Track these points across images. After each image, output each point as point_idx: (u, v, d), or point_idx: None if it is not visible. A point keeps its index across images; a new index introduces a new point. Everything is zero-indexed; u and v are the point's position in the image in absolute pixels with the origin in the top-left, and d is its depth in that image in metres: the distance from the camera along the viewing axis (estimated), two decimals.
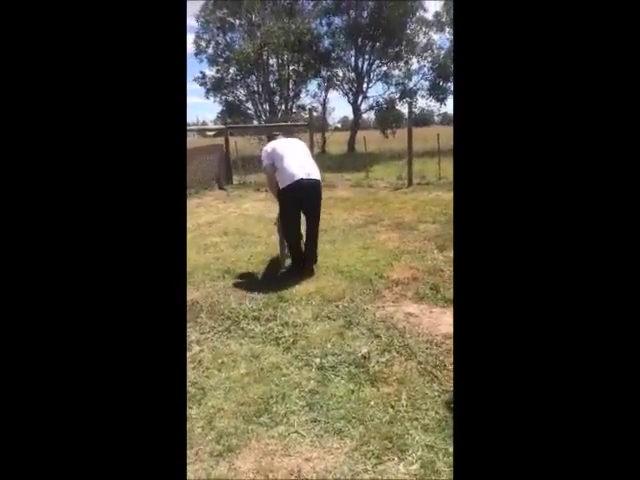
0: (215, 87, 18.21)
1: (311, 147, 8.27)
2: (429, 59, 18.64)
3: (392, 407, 1.85)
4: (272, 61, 17.58)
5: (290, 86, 18.24)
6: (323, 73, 18.31)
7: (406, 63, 18.63)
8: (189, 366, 2.23)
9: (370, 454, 1.60)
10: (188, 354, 2.35)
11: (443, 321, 2.64)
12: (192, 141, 14.50)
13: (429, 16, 18.53)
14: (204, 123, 20.59)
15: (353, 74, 18.74)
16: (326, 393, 1.96)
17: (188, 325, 2.67)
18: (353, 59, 18.50)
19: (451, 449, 1.59)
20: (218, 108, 19.59)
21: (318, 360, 2.24)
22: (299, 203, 3.45)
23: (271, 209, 5.24)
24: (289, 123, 13.72)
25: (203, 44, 17.98)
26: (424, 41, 18.66)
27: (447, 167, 8.53)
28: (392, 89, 18.87)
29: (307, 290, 3.16)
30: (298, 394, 1.97)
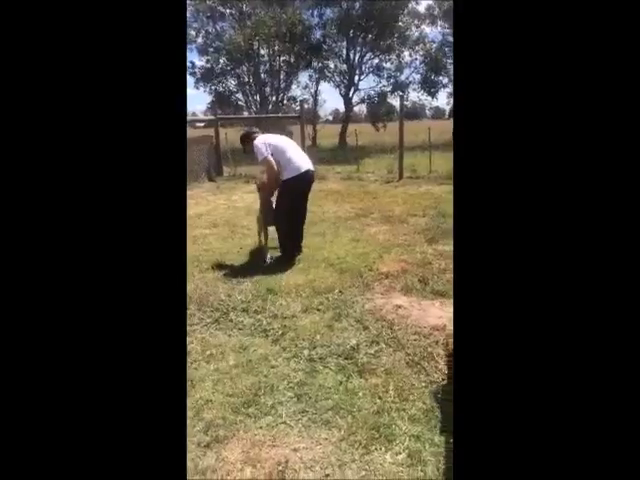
0: (205, 77, 18.03)
1: (302, 139, 8.23)
2: (421, 52, 18.66)
3: (380, 398, 1.86)
4: (263, 52, 17.43)
5: (281, 77, 18.13)
6: (314, 65, 18.20)
7: (398, 56, 18.64)
8: None
9: (357, 444, 1.61)
10: None
11: (431, 313, 2.67)
12: None
13: (421, 9, 18.64)
14: (194, 114, 20.36)
15: (345, 66, 18.67)
16: (314, 384, 1.97)
17: None
18: (345, 51, 18.44)
19: (437, 439, 1.61)
20: (208, 99, 19.46)
21: (307, 352, 2.24)
22: (303, 193, 3.66)
23: None
24: (280, 115, 13.64)
25: (193, 33, 17.75)
26: (416, 34, 18.70)
27: (438, 161, 8.60)
28: (384, 82, 18.89)
29: (296, 282, 3.16)
30: (286, 385, 1.97)
